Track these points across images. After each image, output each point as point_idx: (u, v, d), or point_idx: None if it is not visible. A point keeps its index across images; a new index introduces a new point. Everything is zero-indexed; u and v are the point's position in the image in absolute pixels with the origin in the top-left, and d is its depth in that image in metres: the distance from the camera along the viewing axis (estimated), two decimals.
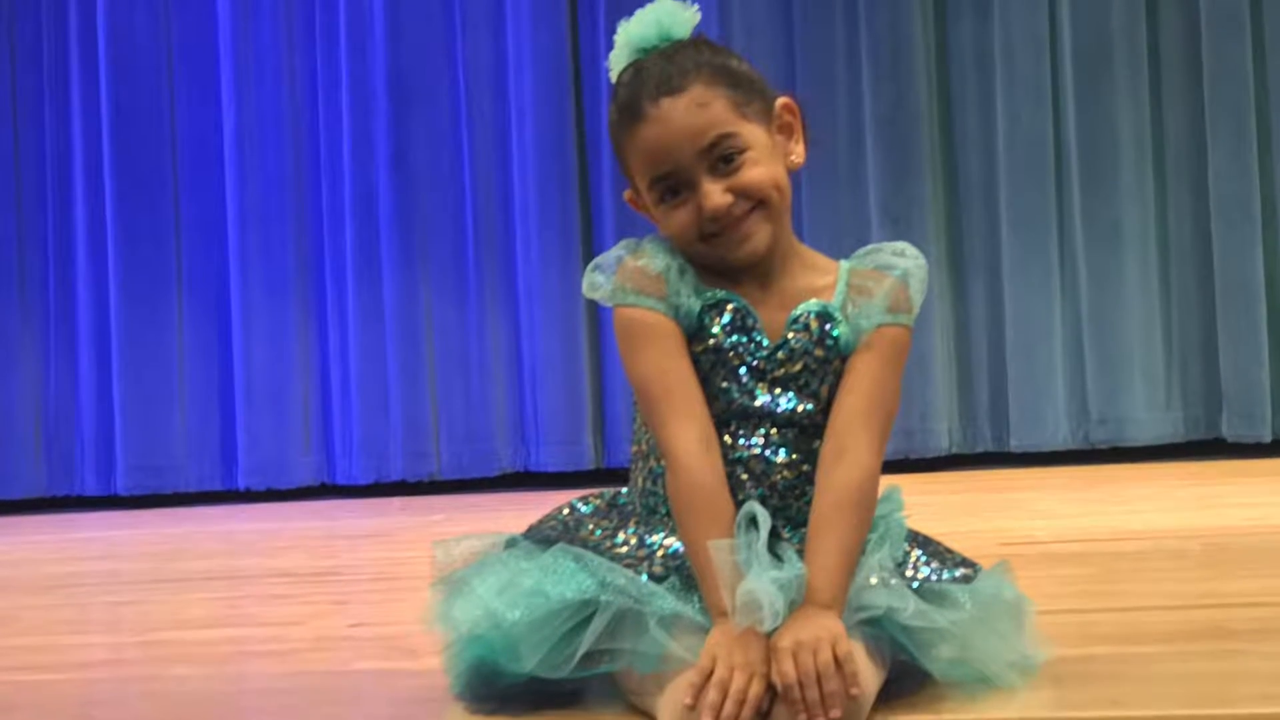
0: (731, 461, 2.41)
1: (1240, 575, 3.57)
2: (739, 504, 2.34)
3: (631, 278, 2.43)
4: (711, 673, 2.12)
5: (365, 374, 7.31)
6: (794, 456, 2.44)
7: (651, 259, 2.44)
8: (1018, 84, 7.01)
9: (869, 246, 2.57)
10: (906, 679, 2.32)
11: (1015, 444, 6.95)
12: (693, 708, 2.11)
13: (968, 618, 2.32)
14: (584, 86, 7.29)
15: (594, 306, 7.11)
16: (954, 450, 7.00)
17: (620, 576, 2.31)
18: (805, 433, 2.44)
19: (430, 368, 7.31)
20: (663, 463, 2.40)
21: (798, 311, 2.46)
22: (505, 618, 2.32)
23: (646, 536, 2.40)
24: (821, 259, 2.55)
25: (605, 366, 7.22)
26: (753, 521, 2.29)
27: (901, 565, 2.39)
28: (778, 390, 2.45)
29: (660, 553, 2.36)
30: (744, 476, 2.42)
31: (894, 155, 7.05)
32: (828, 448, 2.40)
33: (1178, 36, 6.96)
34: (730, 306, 2.45)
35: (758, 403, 2.44)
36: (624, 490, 2.57)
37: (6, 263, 7.59)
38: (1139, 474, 6.27)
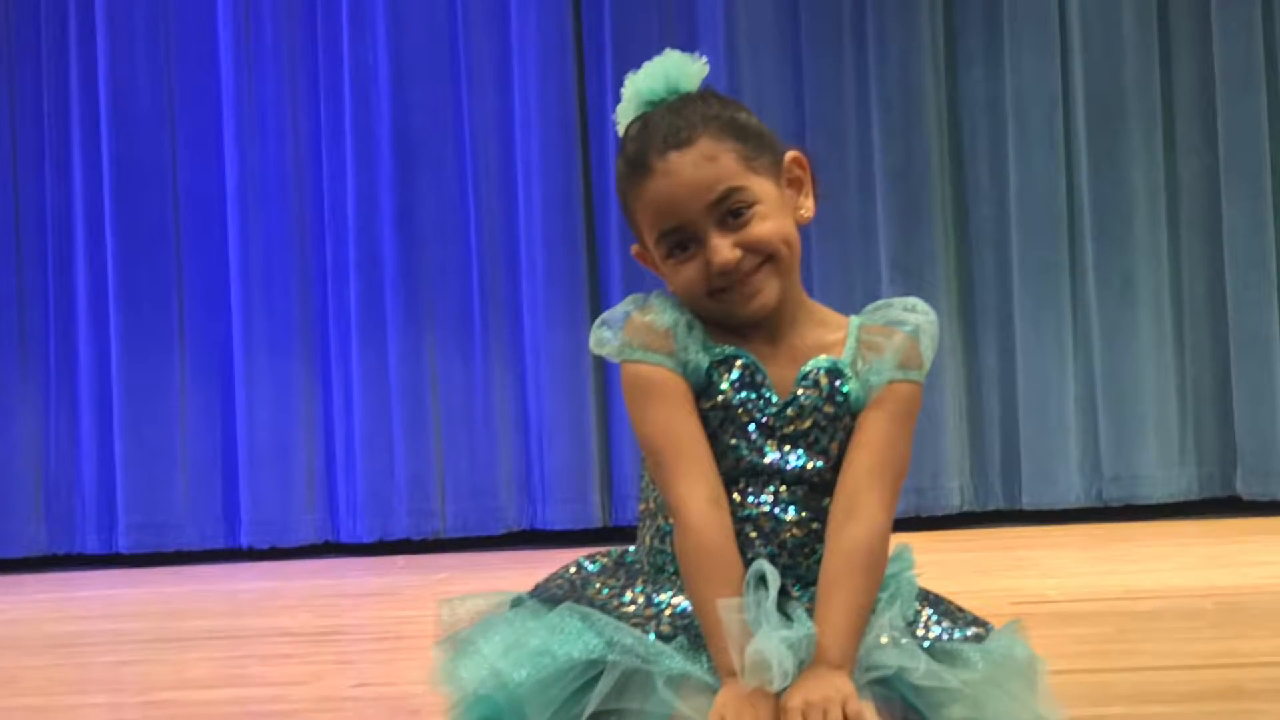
0: (740, 519, 2.37)
1: (1256, 635, 3.55)
2: (748, 562, 2.31)
3: (639, 333, 2.40)
4: None
5: (369, 431, 7.27)
6: (803, 514, 2.39)
7: (659, 314, 2.41)
8: (1030, 136, 6.99)
9: (879, 302, 2.54)
10: None
11: (1027, 501, 6.91)
12: None
13: (980, 677, 2.27)
14: (591, 142, 7.27)
15: (601, 363, 7.08)
16: (965, 508, 6.96)
17: (628, 636, 2.26)
18: (815, 490, 2.40)
19: (435, 425, 7.28)
20: (671, 520, 2.37)
21: (807, 368, 2.42)
22: (511, 678, 2.27)
23: (654, 595, 2.36)
24: (831, 314, 2.52)
25: (612, 424, 7.18)
26: (762, 580, 2.26)
27: (912, 624, 2.35)
28: (787, 447, 2.41)
29: (668, 611, 2.32)
30: (753, 534, 2.37)
31: (905, 208, 7.03)
32: (838, 506, 2.37)
33: (1191, 89, 6.96)
34: (739, 363, 2.41)
35: (767, 460, 2.40)
36: (632, 548, 2.52)
37: (7, 319, 7.55)
38: (1153, 532, 6.24)
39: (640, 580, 2.41)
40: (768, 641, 2.14)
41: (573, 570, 2.49)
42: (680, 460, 2.36)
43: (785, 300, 2.43)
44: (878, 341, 2.45)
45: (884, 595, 2.34)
